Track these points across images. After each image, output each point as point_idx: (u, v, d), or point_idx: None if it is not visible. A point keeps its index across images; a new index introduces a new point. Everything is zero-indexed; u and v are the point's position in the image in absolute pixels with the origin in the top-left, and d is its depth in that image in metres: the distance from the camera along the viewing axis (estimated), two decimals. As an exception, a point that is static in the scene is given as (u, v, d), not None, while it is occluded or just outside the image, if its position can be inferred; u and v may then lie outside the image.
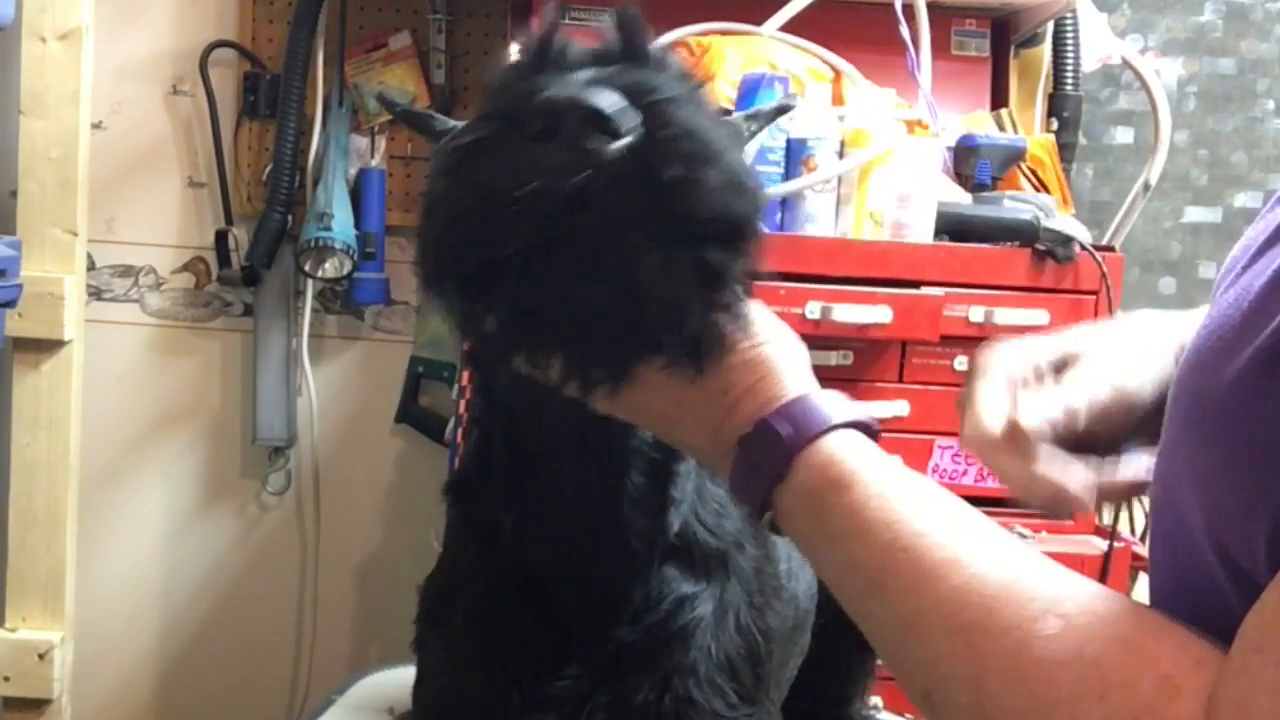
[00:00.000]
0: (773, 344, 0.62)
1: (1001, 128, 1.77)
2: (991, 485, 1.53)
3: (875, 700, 1.23)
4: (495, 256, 0.54)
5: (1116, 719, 0.45)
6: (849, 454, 0.58)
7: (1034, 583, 0.51)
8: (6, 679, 1.79)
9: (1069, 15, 1.81)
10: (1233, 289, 0.52)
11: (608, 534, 0.76)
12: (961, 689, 0.50)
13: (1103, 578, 1.47)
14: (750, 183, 0.58)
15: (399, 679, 1.22)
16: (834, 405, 0.60)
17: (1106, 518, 1.71)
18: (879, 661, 1.09)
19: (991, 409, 0.63)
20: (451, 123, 0.87)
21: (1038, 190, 1.71)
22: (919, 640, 0.52)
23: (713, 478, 0.81)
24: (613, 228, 0.54)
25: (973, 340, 1.51)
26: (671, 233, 0.55)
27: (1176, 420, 0.53)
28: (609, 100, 0.53)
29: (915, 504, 0.56)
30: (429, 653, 0.86)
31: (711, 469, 0.65)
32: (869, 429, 0.60)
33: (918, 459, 1.50)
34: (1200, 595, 0.50)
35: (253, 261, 1.89)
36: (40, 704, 1.82)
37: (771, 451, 0.59)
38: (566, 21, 1.73)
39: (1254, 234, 0.56)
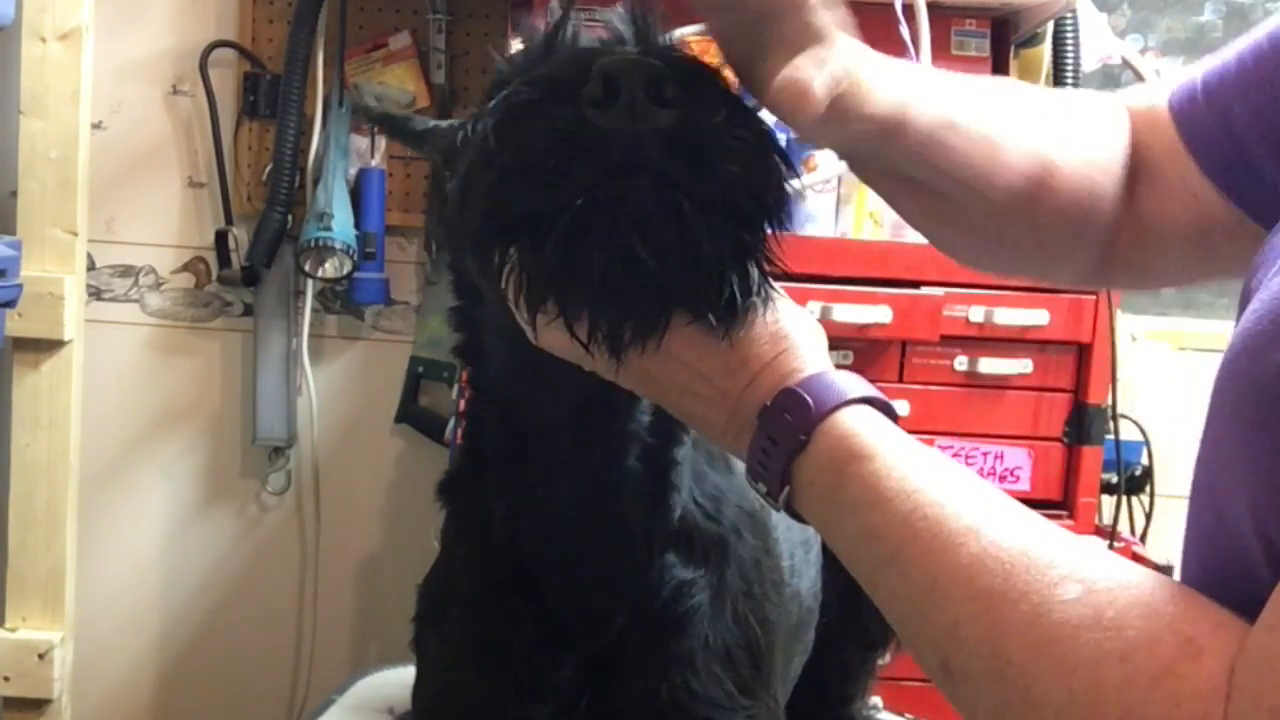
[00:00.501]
0: (795, 322, 0.64)
1: (1001, 127, 1.77)
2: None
3: (875, 700, 1.24)
4: (549, 207, 0.56)
5: (1137, 680, 0.45)
6: (869, 427, 0.59)
7: (1053, 549, 0.51)
8: (6, 679, 1.79)
9: (1069, 15, 1.81)
10: None
11: (606, 523, 0.76)
12: (980, 654, 0.50)
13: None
14: (787, 161, 0.61)
15: (399, 679, 1.23)
16: (853, 381, 0.61)
17: (1107, 518, 1.72)
18: (880, 662, 1.10)
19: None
20: (431, 122, 0.87)
21: (1038, 190, 1.71)
22: (937, 607, 0.52)
23: (710, 463, 0.81)
24: (664, 189, 0.56)
25: (973, 340, 1.52)
26: (718, 200, 0.57)
27: (1223, 407, 0.52)
28: (664, 68, 0.55)
29: (935, 475, 0.56)
30: (427, 651, 0.86)
31: (724, 447, 0.65)
32: (887, 407, 0.61)
33: (918, 459, 1.50)
34: (1236, 589, 0.49)
35: (253, 261, 1.89)
36: (40, 704, 1.82)
37: (793, 422, 0.59)
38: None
39: None
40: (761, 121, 0.60)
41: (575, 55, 0.60)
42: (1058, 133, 0.75)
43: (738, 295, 0.59)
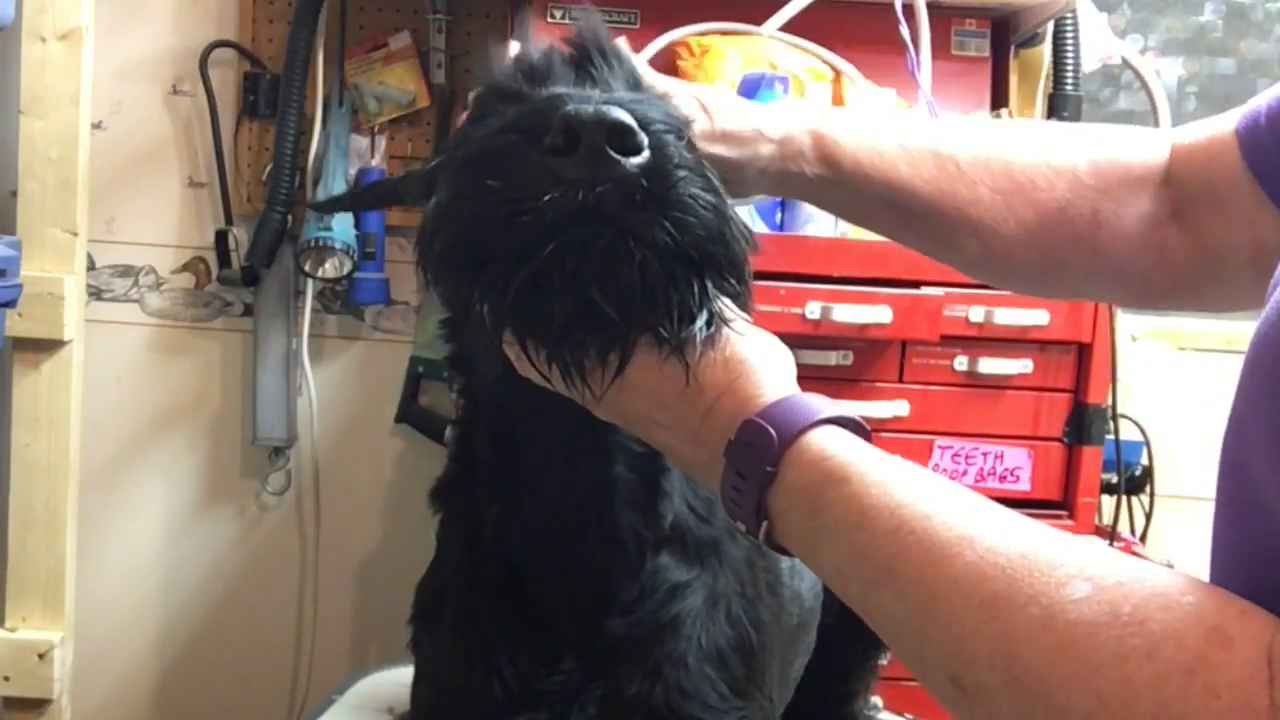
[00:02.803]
0: (753, 346, 0.62)
1: (1001, 128, 1.77)
2: (991, 486, 1.53)
3: (875, 700, 1.24)
4: (512, 251, 0.57)
5: (1169, 675, 0.43)
6: (840, 448, 0.57)
7: (1053, 550, 0.49)
8: (6, 679, 1.79)
9: (1069, 15, 1.81)
10: None
11: (596, 530, 0.77)
12: (992, 665, 0.48)
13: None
14: (733, 210, 0.62)
15: (399, 679, 1.23)
16: (819, 402, 0.59)
17: (1107, 518, 1.72)
18: (882, 661, 1.09)
19: None
20: (398, 177, 0.89)
21: (1038, 190, 1.71)
22: (939, 622, 0.50)
23: None
24: (623, 236, 0.57)
25: (973, 340, 1.52)
26: (676, 250, 0.58)
27: (1255, 382, 0.50)
28: (626, 118, 0.56)
29: (917, 489, 0.54)
30: (423, 651, 0.86)
31: (701, 481, 0.65)
32: (859, 426, 0.60)
33: (918, 459, 1.48)
34: (1270, 570, 0.47)
35: (253, 261, 1.89)
36: (40, 704, 1.82)
37: (758, 454, 0.58)
38: (567, 22, 1.73)
39: None
40: (716, 179, 0.61)
41: (543, 100, 0.61)
42: (1041, 151, 0.79)
43: (688, 319, 0.60)
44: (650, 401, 0.62)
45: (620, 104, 0.57)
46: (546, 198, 0.56)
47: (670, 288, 0.58)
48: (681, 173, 0.58)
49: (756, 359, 0.62)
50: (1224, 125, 0.79)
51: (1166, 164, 0.82)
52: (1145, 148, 0.82)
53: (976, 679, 0.49)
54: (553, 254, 0.56)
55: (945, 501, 0.53)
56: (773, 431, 0.57)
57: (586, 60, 0.70)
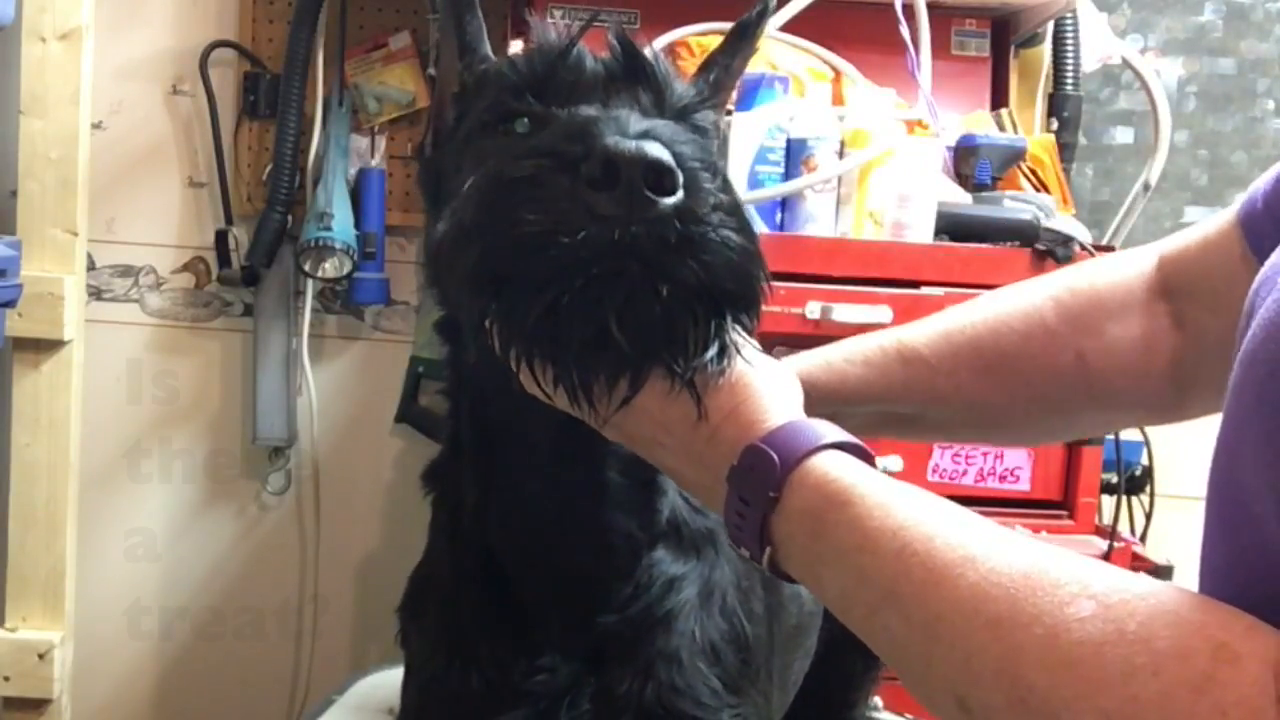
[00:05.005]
0: (759, 372, 0.63)
1: (1001, 128, 1.77)
2: (991, 486, 1.53)
3: (875, 700, 1.24)
4: (537, 274, 0.56)
5: (1175, 693, 0.43)
6: (843, 471, 0.57)
7: (1056, 569, 0.49)
8: (6, 679, 1.79)
9: (1069, 15, 1.81)
10: None
11: (585, 531, 0.76)
12: (998, 686, 0.48)
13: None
14: (759, 251, 0.62)
15: (399, 679, 1.22)
16: (822, 427, 0.59)
17: (1107, 518, 1.72)
18: (883, 669, 1.09)
19: None
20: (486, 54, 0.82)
21: (1038, 190, 1.71)
22: (944, 643, 0.50)
23: None
24: (650, 274, 0.57)
25: (973, 340, 1.52)
26: (700, 291, 0.58)
27: (1246, 396, 0.50)
28: (666, 157, 0.56)
29: (919, 511, 0.54)
30: (410, 644, 0.85)
31: (700, 500, 0.65)
32: (863, 451, 0.60)
33: (917, 459, 1.50)
34: (1262, 585, 0.47)
35: (253, 261, 1.89)
36: (40, 704, 1.82)
37: (761, 479, 0.58)
38: (567, 22, 1.73)
39: None
40: (747, 219, 0.61)
41: (580, 126, 0.59)
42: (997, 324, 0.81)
43: (701, 351, 0.60)
44: (654, 424, 0.62)
45: (658, 137, 0.57)
46: (581, 234, 0.55)
47: (690, 326, 0.58)
48: (715, 215, 0.58)
49: (761, 384, 0.62)
50: (1215, 223, 0.78)
51: (1153, 278, 0.81)
52: (1122, 269, 0.82)
53: (982, 700, 0.49)
54: (581, 287, 0.56)
55: (947, 523, 0.53)
56: (775, 456, 0.57)
57: (622, 71, 0.69)
